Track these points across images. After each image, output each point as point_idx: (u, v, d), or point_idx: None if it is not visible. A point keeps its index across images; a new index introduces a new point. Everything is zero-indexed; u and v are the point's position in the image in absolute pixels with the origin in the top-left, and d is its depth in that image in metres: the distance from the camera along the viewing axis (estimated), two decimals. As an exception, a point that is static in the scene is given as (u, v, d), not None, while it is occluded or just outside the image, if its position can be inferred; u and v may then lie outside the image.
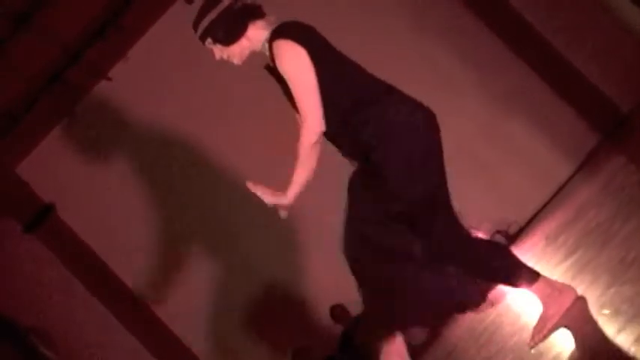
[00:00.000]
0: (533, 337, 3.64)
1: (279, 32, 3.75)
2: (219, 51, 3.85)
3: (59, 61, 8.69)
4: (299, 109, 3.70)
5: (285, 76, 3.70)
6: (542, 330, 3.58)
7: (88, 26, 8.70)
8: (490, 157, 8.92)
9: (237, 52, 3.83)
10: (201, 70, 8.71)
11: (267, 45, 3.76)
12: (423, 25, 8.97)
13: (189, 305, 8.91)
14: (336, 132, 3.74)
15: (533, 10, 8.92)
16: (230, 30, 3.78)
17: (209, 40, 3.83)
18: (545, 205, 8.79)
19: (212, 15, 3.79)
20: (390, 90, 3.75)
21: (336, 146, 3.85)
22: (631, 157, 6.58)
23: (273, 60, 3.75)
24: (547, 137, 8.94)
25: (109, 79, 8.82)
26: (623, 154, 7.22)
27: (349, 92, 3.71)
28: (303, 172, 3.67)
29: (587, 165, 8.59)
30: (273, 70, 3.80)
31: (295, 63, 3.68)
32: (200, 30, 3.83)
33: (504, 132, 9.00)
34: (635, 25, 8.62)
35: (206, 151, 8.94)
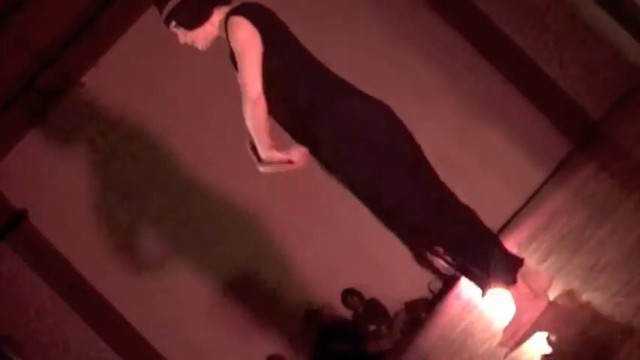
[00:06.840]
0: (504, 342, 3.60)
1: (235, 10, 3.74)
2: (183, 35, 3.84)
3: (32, 67, 8.65)
4: (239, 78, 3.66)
5: (234, 49, 3.69)
6: (516, 336, 3.56)
7: (61, 33, 8.67)
8: (463, 164, 8.96)
9: (201, 37, 3.82)
10: (175, 74, 8.73)
11: (223, 25, 3.76)
12: (398, 34, 9.02)
13: (162, 311, 8.89)
14: (289, 125, 3.74)
15: (507, 20, 8.99)
16: (194, 14, 3.78)
17: (173, 23, 3.81)
18: (517, 212, 8.84)
19: None
20: (345, 86, 3.71)
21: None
22: (602, 165, 6.63)
23: (228, 39, 3.74)
24: (519, 145, 9.00)
25: (82, 84, 8.79)
26: (594, 161, 7.27)
27: (303, 84, 3.67)
28: (257, 130, 3.58)
29: (559, 172, 8.65)
30: (232, 57, 3.79)
31: (243, 37, 3.66)
32: (165, 12, 3.81)
33: (477, 139, 9.05)
34: (608, 35, 8.70)
35: (181, 154, 8.92)
